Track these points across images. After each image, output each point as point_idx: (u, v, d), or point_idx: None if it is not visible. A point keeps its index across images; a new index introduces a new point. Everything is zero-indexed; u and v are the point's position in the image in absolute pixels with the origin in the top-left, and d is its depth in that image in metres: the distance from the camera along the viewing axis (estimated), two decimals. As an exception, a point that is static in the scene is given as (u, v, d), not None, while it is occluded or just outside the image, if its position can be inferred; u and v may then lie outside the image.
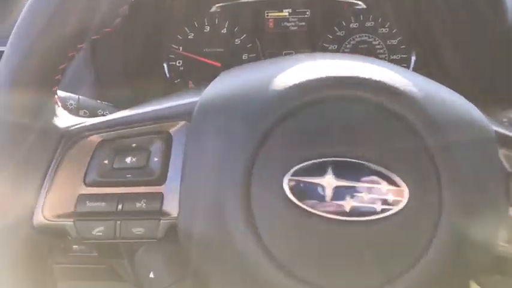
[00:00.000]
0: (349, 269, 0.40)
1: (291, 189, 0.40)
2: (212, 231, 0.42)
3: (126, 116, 0.46)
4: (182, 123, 0.46)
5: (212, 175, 0.42)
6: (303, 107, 0.41)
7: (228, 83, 0.45)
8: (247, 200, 0.41)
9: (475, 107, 0.45)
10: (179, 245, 0.46)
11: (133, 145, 0.45)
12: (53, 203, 0.44)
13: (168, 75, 0.89)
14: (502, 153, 0.45)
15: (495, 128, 0.45)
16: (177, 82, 0.89)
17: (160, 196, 0.45)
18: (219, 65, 0.88)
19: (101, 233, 0.44)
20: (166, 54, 0.88)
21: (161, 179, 0.45)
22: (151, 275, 0.52)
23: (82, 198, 0.44)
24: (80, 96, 0.57)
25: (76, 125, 0.46)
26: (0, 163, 0.43)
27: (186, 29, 0.88)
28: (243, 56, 0.87)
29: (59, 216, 0.44)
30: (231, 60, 0.87)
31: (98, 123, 0.46)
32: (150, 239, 0.45)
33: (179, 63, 0.89)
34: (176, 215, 0.44)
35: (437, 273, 0.40)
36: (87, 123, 0.46)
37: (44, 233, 0.45)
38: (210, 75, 0.49)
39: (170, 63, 0.89)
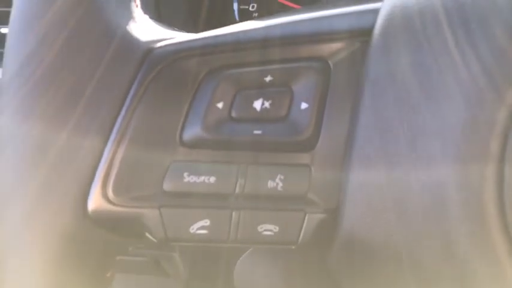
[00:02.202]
0: None
1: None
2: (400, 232, 0.23)
3: (257, 29, 0.26)
4: (349, 45, 0.26)
5: (411, 136, 0.23)
6: None
7: None
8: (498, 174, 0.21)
9: None
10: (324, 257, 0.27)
11: (267, 79, 0.26)
12: (123, 174, 0.25)
13: (237, 18, 0.69)
14: None
15: None
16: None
17: (307, 171, 0.26)
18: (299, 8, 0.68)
19: (205, 231, 0.25)
20: (238, -6, 0.69)
21: (310, 142, 0.26)
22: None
23: (176, 167, 0.25)
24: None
25: (168, 39, 0.26)
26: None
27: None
28: None
29: (132, 199, 0.25)
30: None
31: (206, 38, 0.26)
32: (285, 244, 0.26)
33: (253, 7, 0.70)
34: (334, 207, 0.25)
35: None
36: (188, 38, 0.26)
37: (105, 227, 0.26)
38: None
39: (241, 6, 0.70)
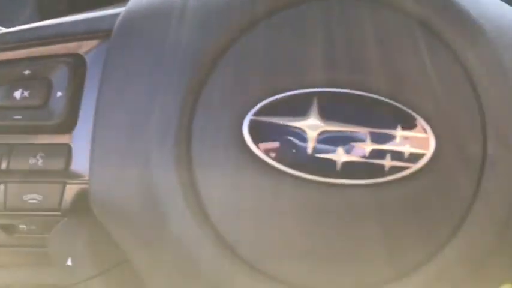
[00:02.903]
0: (339, 259, 0.26)
1: (254, 135, 0.26)
2: (135, 200, 0.28)
3: (16, 31, 0.31)
4: (101, 42, 0.31)
5: (137, 115, 0.28)
6: (275, 11, 0.27)
7: None
8: (186, 152, 0.26)
9: None
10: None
11: (26, 72, 0.31)
12: None
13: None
14: None
15: None
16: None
17: (66, 149, 0.31)
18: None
19: None
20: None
21: (68, 124, 0.31)
22: (69, 263, 0.37)
23: None
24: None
25: None
26: None
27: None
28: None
29: None
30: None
31: None
32: (50, 211, 0.31)
33: None
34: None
35: (472, 262, 0.26)
36: None
37: None
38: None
39: None
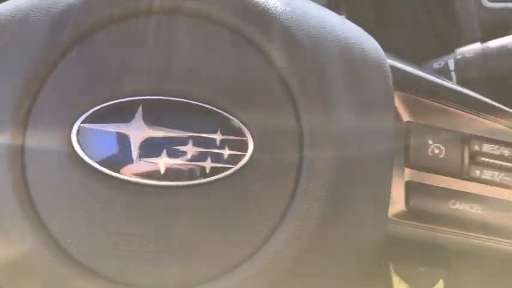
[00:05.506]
0: (161, 258, 0.27)
1: (83, 142, 0.27)
2: None
3: None
4: None
5: None
6: (102, 24, 0.28)
7: None
8: (20, 159, 0.27)
9: (365, 33, 0.33)
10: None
11: None
12: None
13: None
14: (398, 96, 0.33)
15: (391, 62, 0.33)
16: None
17: None
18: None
19: None
20: None
21: None
22: None
23: None
24: None
25: None
26: None
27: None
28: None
29: None
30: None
31: None
32: None
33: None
34: None
35: (295, 260, 0.28)
36: None
37: None
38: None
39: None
